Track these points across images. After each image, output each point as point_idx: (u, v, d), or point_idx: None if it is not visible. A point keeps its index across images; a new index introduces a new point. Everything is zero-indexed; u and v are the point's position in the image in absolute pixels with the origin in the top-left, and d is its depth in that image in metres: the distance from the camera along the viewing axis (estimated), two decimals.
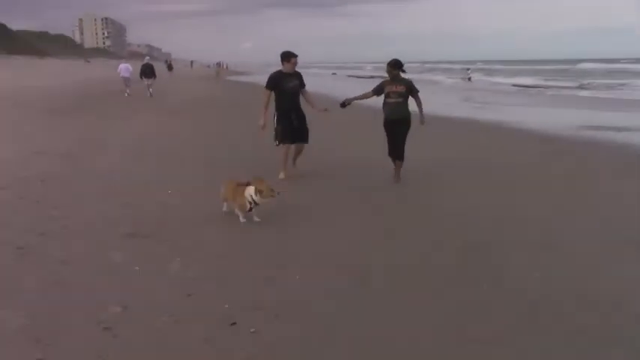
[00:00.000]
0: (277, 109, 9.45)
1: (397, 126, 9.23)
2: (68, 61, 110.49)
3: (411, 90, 9.21)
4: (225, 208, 7.31)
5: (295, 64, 9.52)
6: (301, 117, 9.60)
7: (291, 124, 9.41)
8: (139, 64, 32.57)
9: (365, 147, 12.20)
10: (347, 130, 15.36)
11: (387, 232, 6.72)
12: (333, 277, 5.37)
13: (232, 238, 6.49)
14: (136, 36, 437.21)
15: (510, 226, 7.09)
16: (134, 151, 12.35)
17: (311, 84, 10.38)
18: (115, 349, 3.99)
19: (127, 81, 30.37)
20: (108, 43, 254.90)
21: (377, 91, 9.41)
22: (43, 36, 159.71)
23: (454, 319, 4.51)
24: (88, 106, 22.99)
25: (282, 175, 9.37)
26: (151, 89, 29.59)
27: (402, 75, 9.33)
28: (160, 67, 35.04)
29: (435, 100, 25.16)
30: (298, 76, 9.59)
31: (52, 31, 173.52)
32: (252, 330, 4.27)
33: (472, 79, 58.28)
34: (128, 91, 29.58)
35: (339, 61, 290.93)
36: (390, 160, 9.53)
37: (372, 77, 50.25)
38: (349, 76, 70.97)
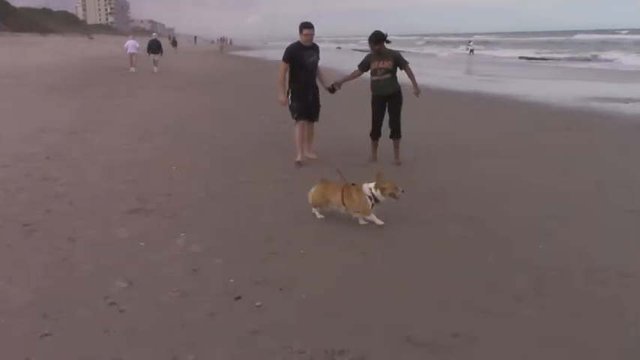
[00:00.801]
0: (293, 84, 8.68)
1: (389, 102, 8.71)
2: (71, 38, 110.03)
3: (399, 63, 8.59)
4: (318, 215, 6.34)
5: (309, 36, 8.60)
6: (316, 94, 8.92)
7: (307, 101, 8.76)
8: (143, 41, 32.62)
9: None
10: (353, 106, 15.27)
11: (392, 208, 6.70)
12: (338, 251, 5.38)
13: (237, 214, 6.49)
14: (139, 12, 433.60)
15: (517, 199, 7.07)
16: (139, 128, 12.31)
17: None
18: (121, 324, 4.01)
19: (133, 57, 30.57)
20: (111, 19, 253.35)
21: (363, 66, 8.77)
22: (46, 13, 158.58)
23: (461, 291, 4.53)
24: (93, 83, 22.91)
25: (299, 157, 8.79)
26: (156, 65, 29.90)
27: (388, 47, 8.66)
28: (164, 43, 34.92)
29: (438, 73, 25.03)
30: (317, 50, 8.81)
31: (54, 8, 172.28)
32: (257, 304, 4.29)
33: (474, 51, 57.73)
34: (133, 68, 29.85)
35: (347, 35, 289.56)
36: (369, 141, 9.00)
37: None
38: (354, 49, 70.46)
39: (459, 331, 3.90)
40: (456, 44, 79.86)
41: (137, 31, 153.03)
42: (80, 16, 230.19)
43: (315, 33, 8.70)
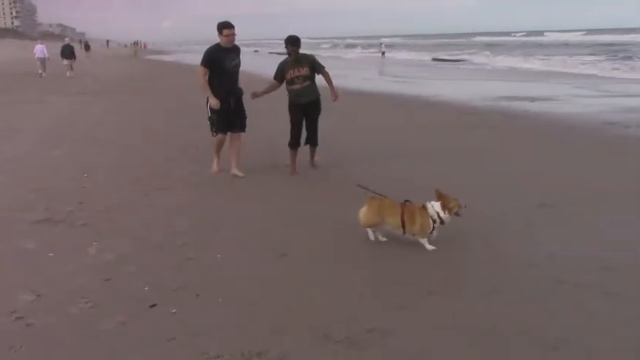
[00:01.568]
0: (213, 91, 7.80)
1: (308, 109, 8.30)
2: None
3: (315, 67, 8.19)
4: (372, 236, 5.68)
5: (230, 36, 7.79)
6: (239, 98, 8.07)
7: (227, 110, 7.91)
8: (53, 45, 31.63)
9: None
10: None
11: (305, 213, 6.72)
12: (256, 255, 5.36)
13: (152, 221, 6.34)
14: (48, 15, 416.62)
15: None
16: (51, 135, 11.86)
17: None
18: (29, 339, 3.84)
19: (42, 62, 29.61)
20: (17, 23, 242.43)
21: (279, 76, 8.23)
22: None
23: (376, 287, 4.60)
24: (1, 89, 21.87)
25: (215, 167, 8.31)
26: (70, 70, 29.37)
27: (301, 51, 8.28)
28: (76, 48, 33.85)
29: (353, 75, 25.39)
30: (238, 52, 8.05)
31: None
32: (173, 311, 4.21)
33: (385, 54, 58.95)
34: (42, 72, 28.97)
35: (265, 37, 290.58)
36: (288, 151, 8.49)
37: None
38: (271, 52, 70.42)
39: (374, 326, 3.96)
40: (364, 47, 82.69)
41: (46, 35, 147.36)
42: None
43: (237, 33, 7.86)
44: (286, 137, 8.36)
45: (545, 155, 9.75)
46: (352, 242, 5.64)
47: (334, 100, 8.25)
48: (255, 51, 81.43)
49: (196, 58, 8.02)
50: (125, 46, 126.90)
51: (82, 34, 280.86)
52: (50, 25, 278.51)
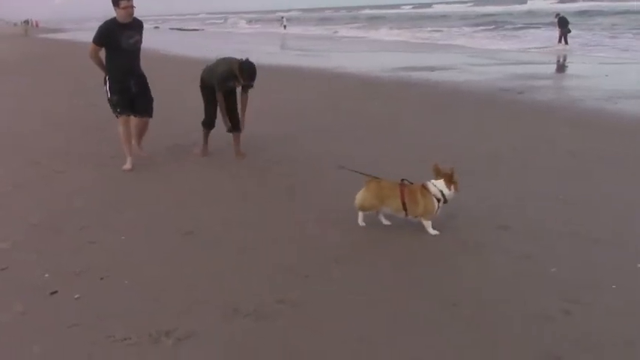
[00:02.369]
0: (110, 73, 7.06)
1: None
2: None
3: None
4: (361, 221, 5.34)
5: (128, 9, 6.85)
6: (142, 83, 7.30)
7: (129, 93, 7.13)
8: None
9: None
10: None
11: (212, 193, 6.65)
12: (161, 235, 5.27)
13: (50, 205, 6.09)
14: None
15: (332, 167, 7.33)
16: None
17: None
18: None
19: None
20: None
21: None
22: None
23: (284, 258, 4.65)
24: None
25: (127, 165, 7.25)
26: None
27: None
28: None
29: (256, 49, 25.20)
30: (139, 29, 7.13)
31: None
32: (76, 296, 4.09)
33: (286, 27, 58.81)
34: None
35: (169, 13, 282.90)
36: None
37: (195, 30, 48.64)
38: (172, 28, 68.62)
39: (283, 297, 4.00)
40: (268, 22, 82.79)
41: None
42: None
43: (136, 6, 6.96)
44: (195, 118, 8.12)
45: (444, 122, 10.09)
46: (259, 218, 5.64)
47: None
48: (156, 27, 79.08)
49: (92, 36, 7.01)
50: (15, 24, 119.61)
51: None
52: None
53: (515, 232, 5.12)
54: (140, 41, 7.14)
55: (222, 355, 3.41)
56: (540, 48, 25.87)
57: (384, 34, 42.56)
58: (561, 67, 19.57)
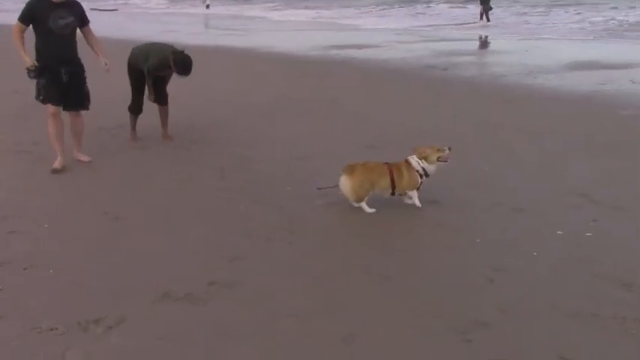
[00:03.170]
0: (38, 57, 6.18)
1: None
2: None
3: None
4: (367, 208, 5.13)
5: None
6: (77, 73, 6.41)
7: (59, 80, 6.25)
8: None
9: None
10: None
11: (140, 176, 6.49)
12: (88, 220, 5.13)
13: None
14: None
15: (266, 146, 7.31)
16: None
17: None
18: None
19: None
20: None
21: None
22: None
23: (215, 240, 4.63)
24: None
25: (57, 164, 6.36)
26: None
27: None
28: None
29: (182, 30, 24.68)
30: (75, 9, 6.34)
31: None
32: None
33: (209, 6, 57.48)
34: None
35: None
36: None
37: (114, 10, 46.71)
38: (92, 9, 66.18)
39: (215, 279, 3.98)
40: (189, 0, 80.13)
41: None
42: None
43: None
44: (119, 100, 7.83)
45: (373, 99, 10.18)
46: (188, 201, 5.57)
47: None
48: None
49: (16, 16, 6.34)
50: None
51: None
52: None
53: (442, 205, 5.26)
54: (74, 24, 6.27)
55: (154, 341, 3.36)
56: (459, 25, 26.32)
57: (299, 14, 41.72)
58: (483, 44, 20.05)
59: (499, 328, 3.39)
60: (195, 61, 6.86)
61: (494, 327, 3.40)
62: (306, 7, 44.38)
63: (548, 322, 3.47)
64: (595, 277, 3.95)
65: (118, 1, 53.97)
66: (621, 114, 8.53)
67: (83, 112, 6.66)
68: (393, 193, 5.16)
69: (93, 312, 3.60)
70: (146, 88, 7.16)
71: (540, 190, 5.60)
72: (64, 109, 6.46)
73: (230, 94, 10.78)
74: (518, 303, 3.68)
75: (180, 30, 25.24)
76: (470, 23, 26.38)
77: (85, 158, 6.68)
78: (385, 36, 21.79)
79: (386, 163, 5.16)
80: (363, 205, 5.12)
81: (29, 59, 6.13)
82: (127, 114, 7.49)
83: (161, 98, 7.29)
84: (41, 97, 6.29)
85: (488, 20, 26.29)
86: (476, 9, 28.03)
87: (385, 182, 5.09)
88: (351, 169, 5.06)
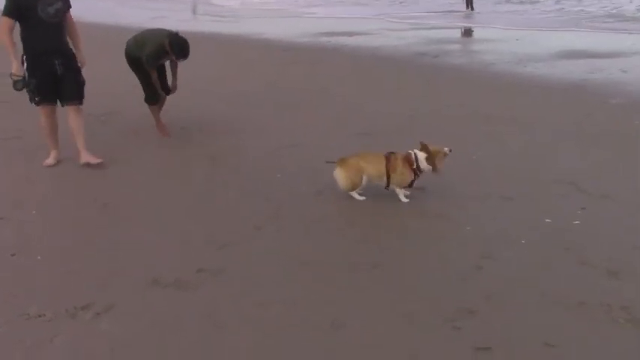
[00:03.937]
0: (28, 51, 5.71)
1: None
2: None
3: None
4: (358, 196, 5.16)
5: None
6: (70, 63, 5.96)
7: (53, 74, 5.82)
8: None
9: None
10: None
11: (125, 163, 6.45)
12: (76, 207, 5.13)
13: None
14: None
15: (254, 135, 7.30)
16: None
17: None
18: None
19: None
20: None
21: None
22: None
23: (203, 227, 4.62)
24: None
25: (51, 160, 6.10)
26: None
27: None
28: None
29: (170, 16, 24.49)
30: None
31: None
32: None
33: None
34: None
35: None
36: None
37: None
38: None
39: (203, 266, 3.98)
40: None
41: None
42: None
43: None
44: (103, 86, 7.81)
45: (365, 87, 10.15)
46: (177, 187, 5.57)
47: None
48: None
49: None
50: None
51: None
52: None
53: (431, 193, 5.26)
54: (63, 10, 5.83)
55: (142, 327, 3.36)
56: (445, 12, 26.10)
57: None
58: (471, 32, 20.01)
59: (487, 316, 3.41)
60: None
61: (482, 314, 3.42)
62: None
63: (536, 310, 3.50)
64: (582, 265, 3.98)
65: None
66: (611, 103, 8.55)
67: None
68: (387, 186, 5.11)
69: (81, 298, 3.60)
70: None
71: (529, 179, 5.62)
72: (62, 105, 6.04)
73: (219, 83, 10.73)
74: (506, 291, 3.70)
75: (168, 17, 25.05)
76: (456, 12, 26.20)
77: (94, 160, 6.07)
78: (376, 23, 21.68)
79: (388, 154, 5.08)
80: (355, 194, 5.13)
81: (19, 66, 5.65)
82: (116, 101, 7.42)
83: (163, 89, 7.10)
84: (37, 99, 5.87)
85: (472, 9, 26.14)
86: None
87: (378, 172, 5.03)
88: (347, 162, 5.05)
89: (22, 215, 4.90)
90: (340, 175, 5.06)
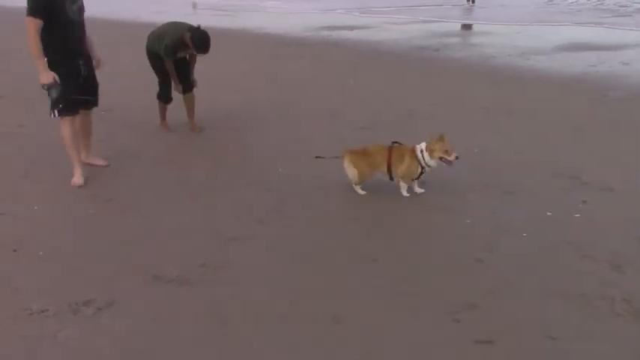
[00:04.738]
0: (53, 56, 5.12)
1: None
2: None
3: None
4: (360, 190, 5.17)
5: None
6: (89, 63, 5.56)
7: (78, 78, 5.37)
8: None
9: None
10: None
11: (136, 157, 6.48)
12: (77, 203, 5.13)
13: None
14: None
15: (258, 128, 7.29)
16: None
17: None
18: None
19: None
20: None
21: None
22: None
23: (206, 222, 4.63)
24: None
25: (79, 180, 5.47)
26: None
27: None
28: None
29: (170, 11, 24.40)
30: None
31: None
32: None
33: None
34: None
35: None
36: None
37: None
38: None
39: (206, 261, 3.99)
40: None
41: None
42: None
43: None
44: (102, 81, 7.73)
45: (366, 80, 10.14)
46: (181, 183, 5.57)
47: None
48: None
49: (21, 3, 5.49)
50: None
51: None
52: None
53: (432, 186, 5.26)
54: (83, 6, 5.39)
55: (145, 322, 3.37)
56: (440, 5, 25.96)
57: None
58: (472, 25, 19.94)
59: (488, 309, 3.42)
60: None
61: (483, 307, 3.43)
62: None
63: (537, 303, 3.51)
64: (583, 258, 3.98)
65: None
66: (611, 95, 8.54)
67: None
68: (391, 178, 5.13)
69: (83, 294, 3.61)
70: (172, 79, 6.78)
71: (530, 172, 5.62)
72: (82, 109, 5.59)
73: (220, 77, 10.72)
74: (507, 284, 3.70)
75: (167, 11, 24.97)
76: (459, 5, 26.11)
77: (100, 162, 5.90)
78: (375, 17, 21.64)
79: (392, 145, 5.09)
80: (357, 188, 5.16)
81: (49, 72, 5.11)
82: (116, 97, 7.37)
83: (186, 85, 6.95)
84: (60, 106, 5.26)
85: (473, 2, 26.06)
86: None
87: (383, 165, 5.04)
88: (351, 151, 5.07)
89: (24, 211, 4.90)
90: (350, 168, 5.06)
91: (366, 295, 3.61)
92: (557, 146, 6.39)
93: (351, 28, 18.03)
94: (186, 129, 7.19)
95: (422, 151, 4.94)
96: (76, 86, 5.33)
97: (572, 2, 24.34)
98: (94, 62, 5.65)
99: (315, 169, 5.68)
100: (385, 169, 5.06)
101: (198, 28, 6.53)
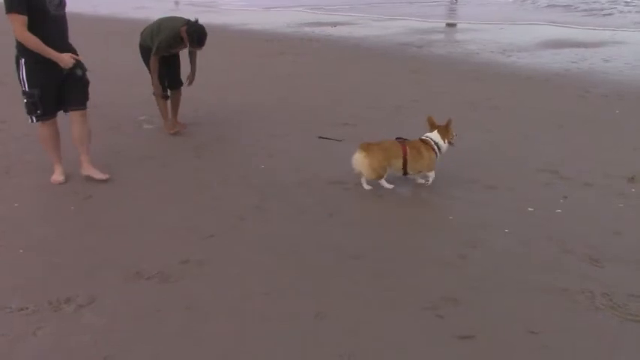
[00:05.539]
0: (31, 53, 4.82)
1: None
2: None
3: None
4: (365, 185, 5.17)
5: None
6: (80, 64, 5.14)
7: (58, 79, 5.06)
8: None
9: None
10: None
11: (117, 153, 6.43)
12: (58, 199, 5.09)
13: None
14: None
15: (242, 125, 7.27)
16: None
17: None
18: None
19: None
20: None
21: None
22: None
23: (187, 219, 4.60)
24: None
25: (59, 177, 5.40)
26: None
27: None
28: None
29: (152, 7, 24.22)
30: None
31: None
32: None
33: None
34: None
35: None
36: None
37: None
38: None
39: (187, 258, 3.97)
40: None
41: None
42: None
43: None
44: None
45: (348, 77, 10.15)
46: (162, 180, 5.53)
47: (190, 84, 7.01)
48: None
49: None
50: None
51: None
52: None
53: (414, 182, 5.28)
54: (65, 2, 5.07)
55: (126, 319, 3.34)
56: (428, 3, 26.06)
57: None
58: (455, 22, 20.01)
59: (470, 304, 3.43)
60: None
61: (465, 303, 3.44)
62: None
63: (518, 298, 3.53)
64: (564, 252, 4.01)
65: None
66: (593, 92, 8.61)
67: None
68: (405, 173, 5.13)
69: (64, 291, 3.58)
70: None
71: (512, 168, 5.66)
72: (65, 111, 5.33)
73: (203, 74, 10.65)
74: (489, 279, 3.72)
75: (149, 7, 24.79)
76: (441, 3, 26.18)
77: (101, 176, 5.42)
78: (358, 13, 21.63)
79: (400, 140, 5.12)
80: (364, 183, 5.17)
81: (63, 55, 4.90)
82: (95, 96, 7.21)
83: (175, 82, 6.86)
84: (38, 112, 5.04)
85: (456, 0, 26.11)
86: None
87: (398, 162, 5.04)
88: (369, 148, 5.00)
89: (3, 208, 4.84)
90: (364, 164, 5.02)
91: (349, 291, 3.60)
92: (540, 142, 6.44)
93: (334, 24, 18.01)
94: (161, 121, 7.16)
95: (435, 143, 5.10)
96: (53, 93, 5.08)
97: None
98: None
99: (297, 166, 5.67)
100: (400, 165, 5.05)
101: (196, 22, 6.38)
